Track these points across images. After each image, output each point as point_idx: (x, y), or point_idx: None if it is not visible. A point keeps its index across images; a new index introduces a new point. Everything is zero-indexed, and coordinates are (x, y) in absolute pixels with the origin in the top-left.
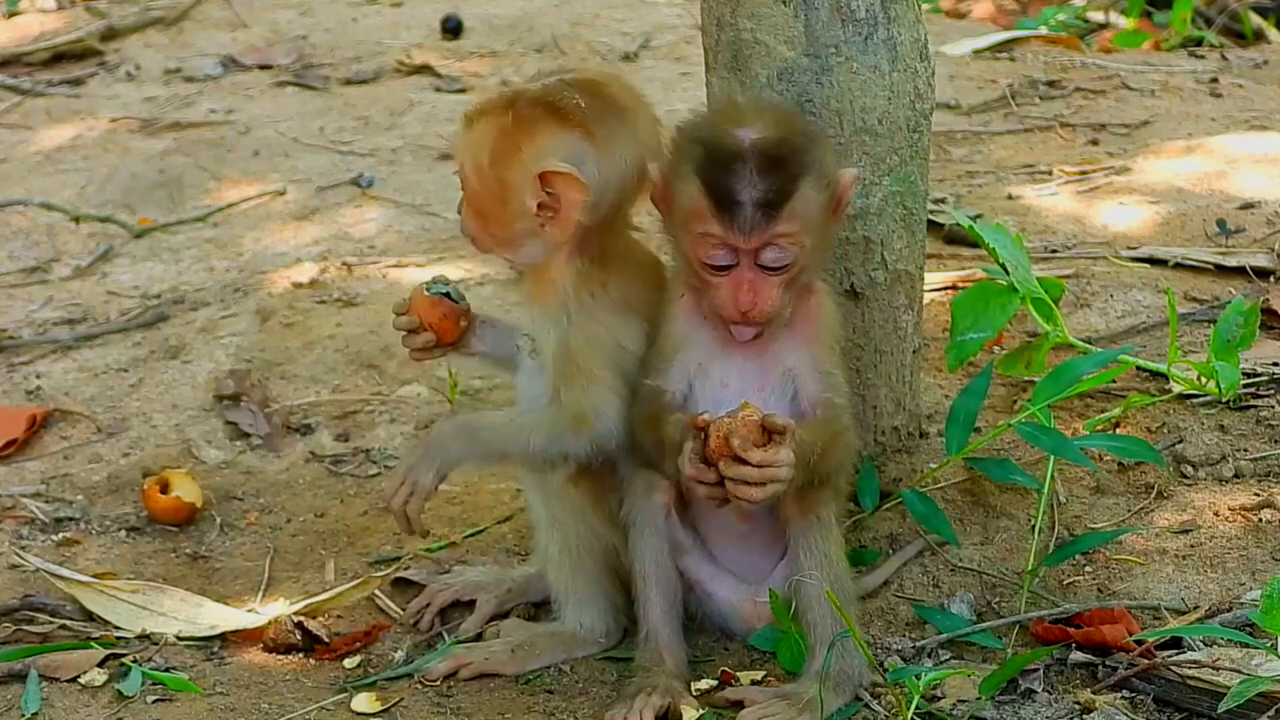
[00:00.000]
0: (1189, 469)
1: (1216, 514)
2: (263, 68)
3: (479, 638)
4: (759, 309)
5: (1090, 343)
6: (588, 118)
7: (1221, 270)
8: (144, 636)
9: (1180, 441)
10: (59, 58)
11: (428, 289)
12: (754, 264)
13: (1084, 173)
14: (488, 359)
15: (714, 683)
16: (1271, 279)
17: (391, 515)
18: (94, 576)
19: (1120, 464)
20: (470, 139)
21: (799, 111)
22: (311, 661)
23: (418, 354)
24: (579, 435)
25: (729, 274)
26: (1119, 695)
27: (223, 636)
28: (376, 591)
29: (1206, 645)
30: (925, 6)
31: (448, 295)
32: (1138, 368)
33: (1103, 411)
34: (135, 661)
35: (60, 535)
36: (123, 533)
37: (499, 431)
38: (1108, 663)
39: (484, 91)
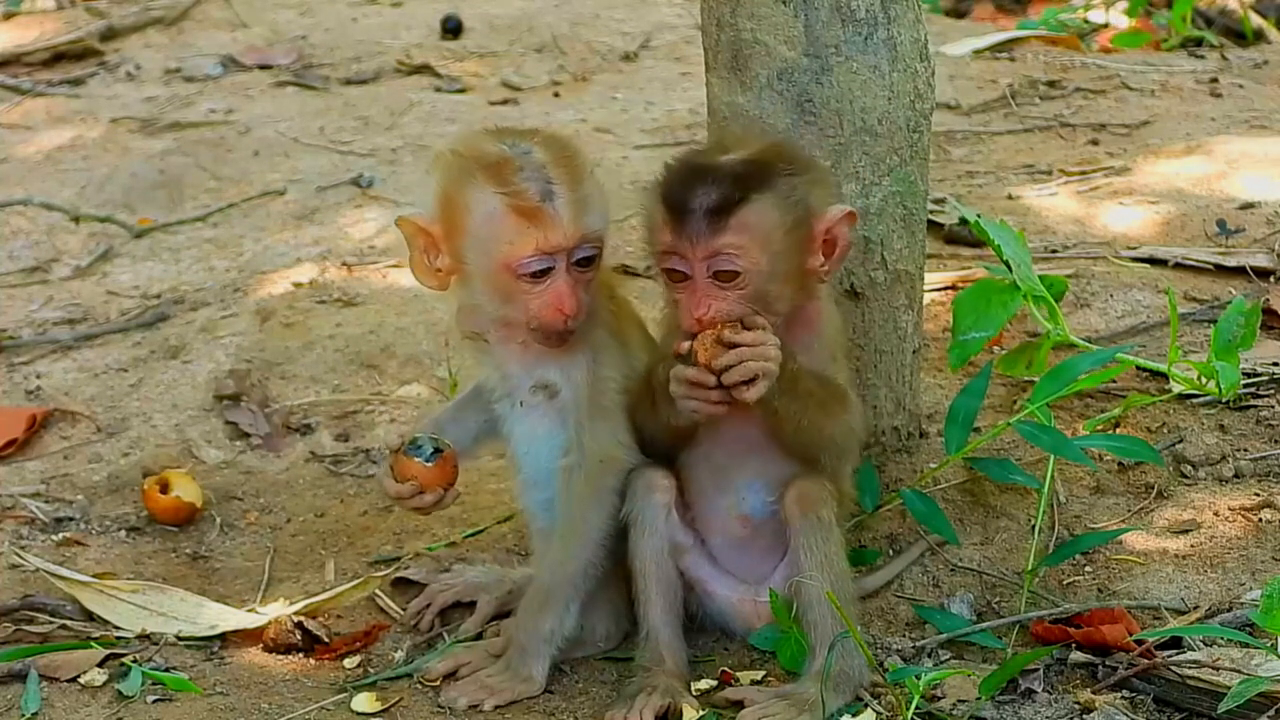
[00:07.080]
0: (1189, 469)
1: (1216, 514)
2: (263, 68)
3: (479, 638)
4: (711, 318)
5: (1090, 343)
6: None
7: (1221, 270)
8: (144, 636)
9: (1180, 441)
10: (59, 58)
11: (417, 456)
12: (706, 275)
13: (1084, 173)
14: (469, 450)
15: (714, 683)
16: (1271, 279)
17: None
18: (94, 576)
19: (1120, 464)
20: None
21: (796, 145)
22: (311, 661)
23: (431, 510)
24: (614, 473)
25: (687, 285)
26: (1119, 695)
27: (223, 636)
28: (376, 591)
29: (1206, 645)
30: (925, 6)
31: (438, 449)
32: (1138, 367)
33: (1103, 411)
34: (135, 661)
35: (60, 535)
36: (123, 533)
37: (563, 569)
38: (1108, 663)
39: (484, 91)
